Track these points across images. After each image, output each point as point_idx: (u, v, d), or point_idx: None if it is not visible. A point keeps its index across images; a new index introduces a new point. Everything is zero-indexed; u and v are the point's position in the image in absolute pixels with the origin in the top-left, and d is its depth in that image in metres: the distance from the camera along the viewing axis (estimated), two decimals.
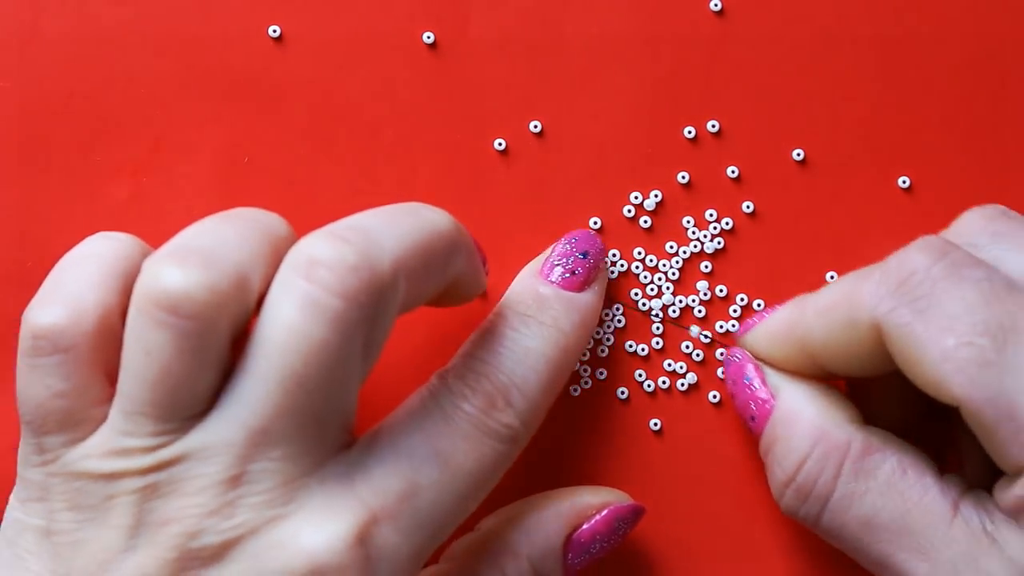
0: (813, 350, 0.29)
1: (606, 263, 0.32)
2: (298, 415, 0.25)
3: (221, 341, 0.25)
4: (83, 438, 0.25)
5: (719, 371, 0.34)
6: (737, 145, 0.34)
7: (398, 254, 0.25)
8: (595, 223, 0.34)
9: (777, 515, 0.33)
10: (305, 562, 0.24)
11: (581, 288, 0.31)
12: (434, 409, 0.27)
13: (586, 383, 0.34)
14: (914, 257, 0.27)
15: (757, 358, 0.31)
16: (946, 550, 0.26)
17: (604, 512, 0.31)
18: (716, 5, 0.34)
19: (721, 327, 0.34)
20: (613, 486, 0.34)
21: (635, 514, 0.31)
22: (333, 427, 0.26)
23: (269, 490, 0.25)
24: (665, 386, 0.34)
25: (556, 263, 0.31)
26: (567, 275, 0.31)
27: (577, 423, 0.34)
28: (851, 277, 0.29)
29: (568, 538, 0.30)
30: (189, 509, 0.24)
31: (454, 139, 0.34)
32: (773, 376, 0.30)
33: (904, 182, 0.34)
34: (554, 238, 0.33)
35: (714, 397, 0.34)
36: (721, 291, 0.34)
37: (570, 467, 0.34)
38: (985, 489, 0.27)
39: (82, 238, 0.28)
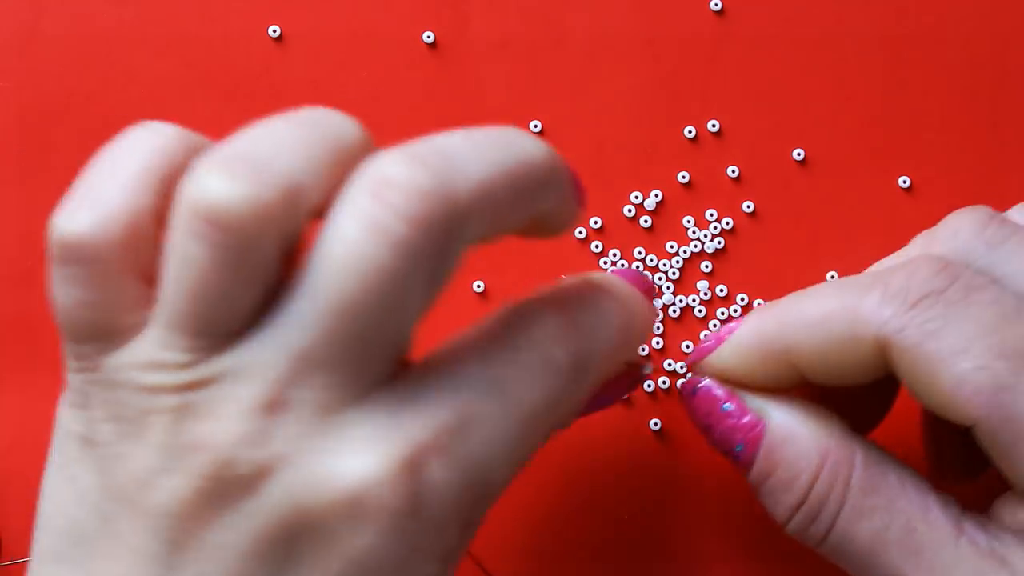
0: (801, 363, 0.28)
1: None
2: (347, 342, 0.23)
3: (266, 257, 0.23)
4: (120, 346, 0.24)
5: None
6: (737, 145, 0.34)
7: (479, 183, 0.23)
8: (595, 223, 0.34)
9: None
10: (344, 492, 0.22)
11: (648, 294, 0.29)
12: (499, 333, 0.25)
13: None
14: (924, 277, 0.26)
15: (727, 380, 0.29)
16: (955, 569, 0.26)
17: (625, 371, 0.30)
18: (716, 5, 0.34)
19: (716, 326, 0.34)
20: (613, 486, 0.34)
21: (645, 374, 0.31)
22: (384, 358, 0.24)
23: (308, 419, 0.23)
24: (665, 386, 0.34)
25: (627, 271, 0.30)
26: (638, 281, 0.29)
27: (577, 423, 0.34)
28: (840, 288, 0.28)
29: (594, 395, 0.29)
30: (222, 434, 0.23)
31: None
32: (752, 399, 0.29)
33: (904, 182, 0.34)
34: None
35: None
36: (721, 291, 0.34)
37: (570, 467, 0.34)
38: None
39: None
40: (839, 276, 0.34)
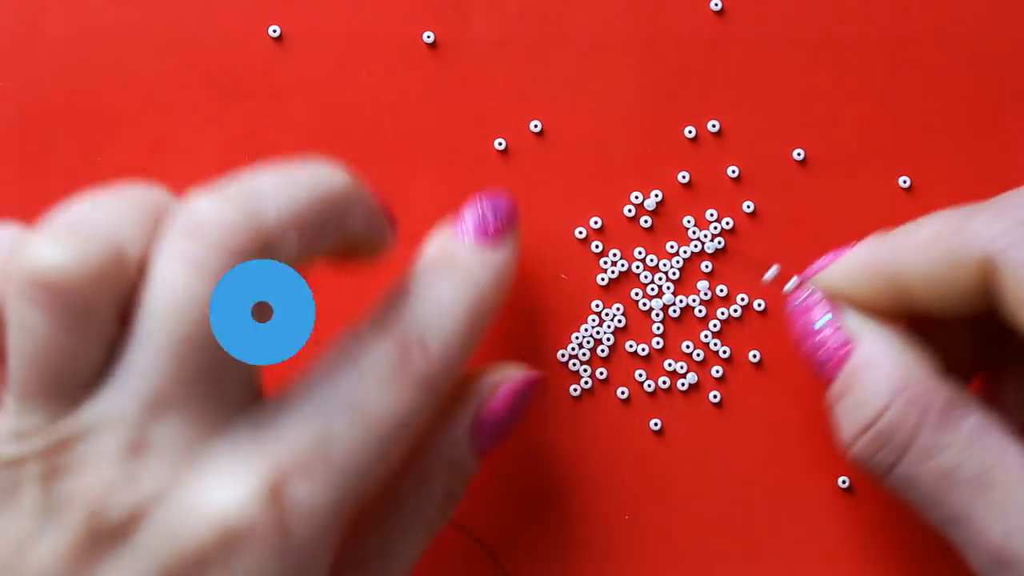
0: (906, 284, 0.28)
1: (517, 219, 0.31)
2: (192, 377, 0.24)
3: (102, 314, 0.24)
4: None
5: (714, 371, 0.34)
6: (737, 145, 0.34)
7: (285, 210, 0.25)
8: (595, 223, 0.34)
9: (778, 515, 0.33)
10: (216, 525, 0.24)
11: (494, 242, 0.30)
12: (344, 359, 0.26)
13: (586, 383, 0.34)
14: None
15: (833, 298, 0.30)
16: None
17: (500, 391, 0.30)
18: (716, 5, 0.34)
19: (716, 326, 0.34)
20: (613, 486, 0.34)
21: (532, 385, 0.31)
22: (234, 386, 0.25)
23: (171, 456, 0.24)
24: (665, 386, 0.34)
25: (467, 219, 0.30)
26: (479, 231, 0.30)
27: (577, 423, 0.34)
28: (951, 214, 0.28)
29: (473, 422, 0.30)
30: (92, 486, 0.24)
31: (454, 139, 0.34)
32: (851, 319, 0.29)
33: (904, 182, 0.34)
34: (554, 237, 0.34)
35: (714, 397, 0.34)
36: (721, 291, 0.34)
37: (570, 467, 0.34)
38: None
39: None
40: None
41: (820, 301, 0.30)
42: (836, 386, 0.29)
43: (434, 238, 0.30)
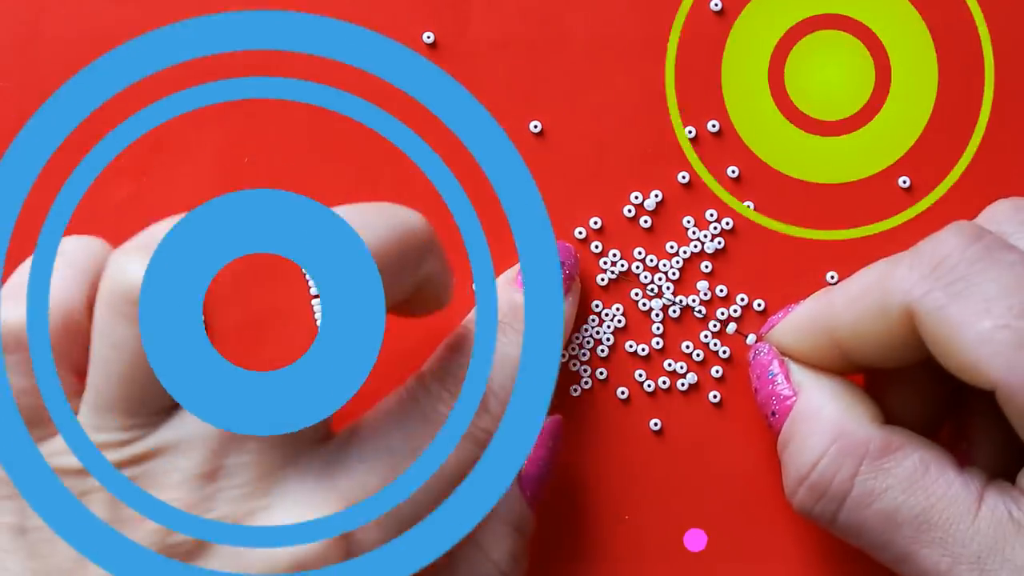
0: (842, 339, 0.29)
1: (577, 275, 0.33)
2: None
3: None
4: (53, 434, 0.25)
5: (714, 371, 0.34)
6: (737, 145, 0.34)
7: (373, 247, 0.25)
8: (595, 223, 0.34)
9: (777, 515, 0.33)
10: (287, 555, 0.24)
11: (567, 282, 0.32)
12: (413, 410, 0.28)
13: (586, 383, 0.34)
14: (947, 240, 0.27)
15: (784, 353, 0.31)
16: (971, 543, 0.26)
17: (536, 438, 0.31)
18: (716, 5, 0.34)
19: (716, 326, 0.34)
20: (613, 486, 0.34)
21: (558, 425, 0.31)
22: None
23: (246, 483, 0.25)
24: (665, 386, 0.34)
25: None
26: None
27: (577, 423, 0.34)
28: (880, 264, 0.28)
29: (518, 478, 0.30)
30: (167, 503, 0.24)
31: (454, 139, 0.34)
32: (797, 372, 0.30)
33: (904, 182, 0.34)
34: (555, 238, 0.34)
35: (714, 397, 0.34)
36: (721, 291, 0.34)
37: (570, 467, 0.34)
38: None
39: None
40: (839, 276, 0.34)
41: (772, 356, 0.31)
42: (781, 437, 0.30)
43: (498, 285, 0.31)
